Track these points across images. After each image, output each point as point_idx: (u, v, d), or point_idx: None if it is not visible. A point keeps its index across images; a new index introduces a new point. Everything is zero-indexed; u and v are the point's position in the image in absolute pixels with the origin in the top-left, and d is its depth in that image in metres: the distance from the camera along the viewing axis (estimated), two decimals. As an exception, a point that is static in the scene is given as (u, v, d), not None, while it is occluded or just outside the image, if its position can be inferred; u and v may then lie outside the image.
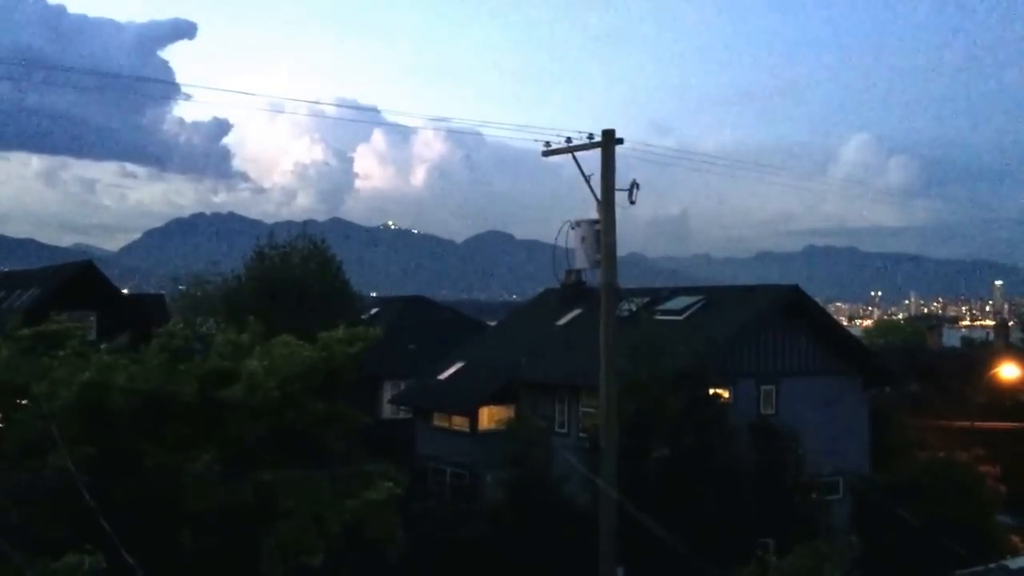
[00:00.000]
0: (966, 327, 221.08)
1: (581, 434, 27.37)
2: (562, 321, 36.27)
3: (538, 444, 25.25)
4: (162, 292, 59.19)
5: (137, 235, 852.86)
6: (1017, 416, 42.45)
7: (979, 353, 57.79)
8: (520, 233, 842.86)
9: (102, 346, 20.70)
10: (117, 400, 18.13)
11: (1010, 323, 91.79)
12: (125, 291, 65.43)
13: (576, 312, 35.76)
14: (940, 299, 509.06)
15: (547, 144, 19.64)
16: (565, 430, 30.89)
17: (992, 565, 17.94)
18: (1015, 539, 32.37)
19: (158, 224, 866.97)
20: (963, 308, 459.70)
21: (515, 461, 24.95)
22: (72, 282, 43.82)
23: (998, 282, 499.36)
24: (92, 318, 37.04)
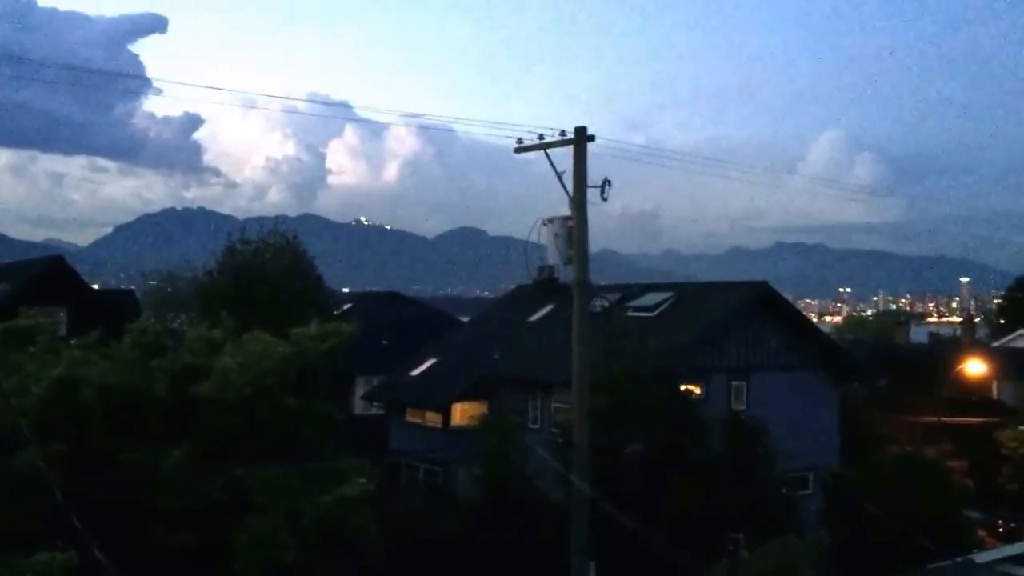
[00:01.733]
0: (934, 323, 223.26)
1: (554, 429, 27.42)
2: (535, 317, 36.36)
3: (511, 440, 25.30)
4: (133, 287, 58.79)
5: (107, 230, 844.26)
6: (984, 411, 43.01)
7: (946, 349, 58.42)
8: (493, 229, 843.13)
9: (73, 341, 20.55)
10: (88, 396, 18.03)
11: (976, 319, 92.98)
12: (95, 286, 64.85)
13: (548, 308, 35.87)
14: (908, 295, 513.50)
15: (519, 141, 19.70)
16: (538, 426, 30.98)
17: (959, 559, 18.18)
18: (982, 534, 32.79)
19: (128, 219, 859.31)
20: (930, 304, 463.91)
21: (488, 457, 25.00)
22: (42, 277, 43.33)
23: (964, 279, 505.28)
24: (62, 313, 36.60)
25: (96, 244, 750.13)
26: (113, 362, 19.02)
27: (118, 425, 18.20)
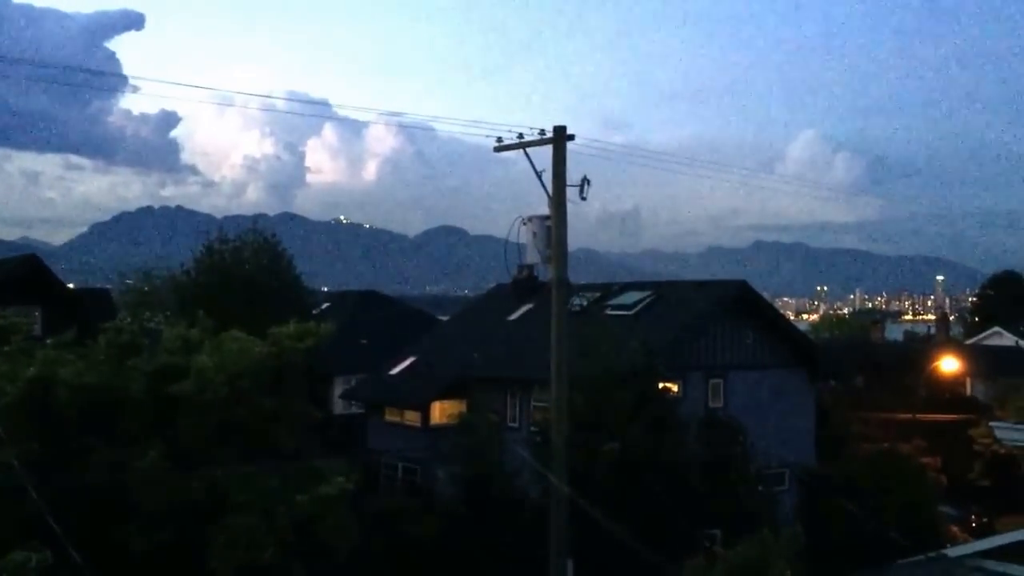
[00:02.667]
0: (909, 321, 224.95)
1: (532, 428, 27.50)
2: (514, 316, 36.40)
3: (490, 438, 25.34)
4: (108, 287, 58.32)
5: (83, 228, 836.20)
6: (957, 408, 43.42)
7: (921, 347, 58.93)
8: (473, 228, 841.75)
9: (48, 341, 20.44)
10: (63, 396, 17.94)
11: (951, 317, 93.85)
12: (71, 285, 64.35)
13: (528, 307, 35.92)
14: (884, 294, 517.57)
15: (499, 140, 19.69)
16: (516, 424, 31.02)
17: (933, 554, 18.38)
18: (955, 529, 33.15)
19: (104, 217, 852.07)
20: (906, 303, 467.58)
21: (467, 456, 25.04)
22: (16, 276, 42.95)
23: (939, 277, 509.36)
24: (37, 313, 36.27)
25: (71, 243, 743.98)
26: (88, 362, 18.93)
27: (93, 425, 18.13)
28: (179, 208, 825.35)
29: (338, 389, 41.29)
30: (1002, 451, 36.31)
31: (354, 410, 39.28)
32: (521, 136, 19.43)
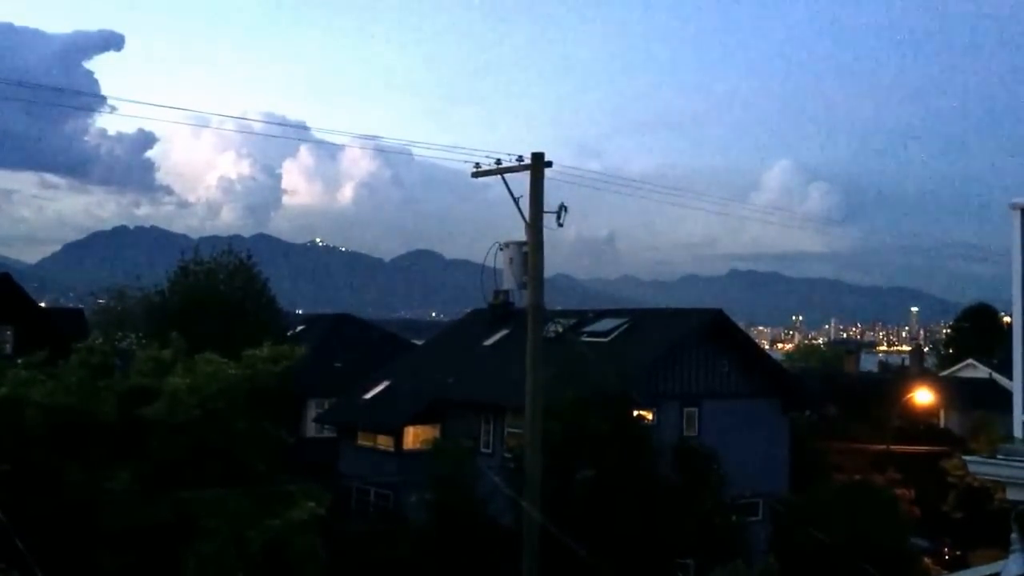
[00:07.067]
0: (883, 352, 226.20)
1: (506, 454, 27.42)
2: (489, 341, 36.37)
3: (463, 464, 25.22)
4: (81, 306, 57.86)
5: (57, 247, 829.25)
6: (931, 440, 43.59)
7: (895, 378, 59.21)
8: (449, 252, 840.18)
9: (19, 361, 20.20)
10: (34, 416, 17.74)
11: (925, 348, 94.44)
12: (43, 305, 63.76)
13: (503, 333, 35.91)
14: (858, 324, 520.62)
15: (477, 165, 19.76)
16: (490, 450, 30.93)
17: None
18: (928, 561, 33.21)
19: (79, 236, 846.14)
20: (880, 333, 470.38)
21: (440, 481, 24.90)
22: (-13, 295, 42.55)
23: (914, 309, 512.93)
24: (8, 332, 35.95)
25: (44, 262, 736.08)
26: (59, 382, 18.72)
27: (64, 446, 17.93)
28: (154, 228, 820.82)
29: (311, 412, 41.07)
30: (975, 483, 36.47)
31: (327, 434, 39.04)
32: (499, 162, 19.50)
